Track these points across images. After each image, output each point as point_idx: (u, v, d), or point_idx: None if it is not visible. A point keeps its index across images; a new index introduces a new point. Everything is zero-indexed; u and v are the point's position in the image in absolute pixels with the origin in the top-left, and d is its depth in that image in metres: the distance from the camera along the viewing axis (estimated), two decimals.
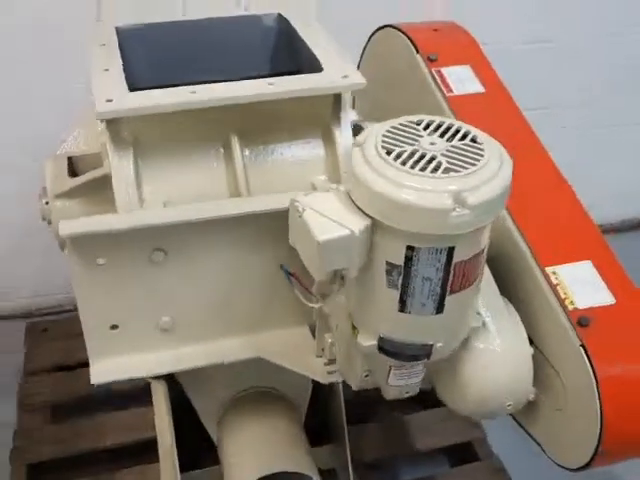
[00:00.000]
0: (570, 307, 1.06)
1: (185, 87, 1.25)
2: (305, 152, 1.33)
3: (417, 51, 1.42)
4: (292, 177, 1.31)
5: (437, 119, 0.97)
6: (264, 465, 1.44)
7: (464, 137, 0.94)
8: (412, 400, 1.21)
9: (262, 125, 1.32)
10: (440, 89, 1.36)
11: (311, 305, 1.08)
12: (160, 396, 1.55)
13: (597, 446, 1.02)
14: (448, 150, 0.92)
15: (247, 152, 1.32)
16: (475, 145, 0.93)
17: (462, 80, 1.38)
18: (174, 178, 1.30)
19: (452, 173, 0.88)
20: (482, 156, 0.91)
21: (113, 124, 1.25)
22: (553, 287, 1.08)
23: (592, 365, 1.01)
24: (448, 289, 0.95)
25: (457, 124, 0.96)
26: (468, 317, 1.04)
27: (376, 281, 0.96)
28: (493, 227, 1.21)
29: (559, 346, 1.07)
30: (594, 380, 1.01)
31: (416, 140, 0.93)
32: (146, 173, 1.27)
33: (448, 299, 0.96)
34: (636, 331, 1.06)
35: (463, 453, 1.85)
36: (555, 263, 1.11)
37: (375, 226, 0.92)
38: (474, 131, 0.95)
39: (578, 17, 2.41)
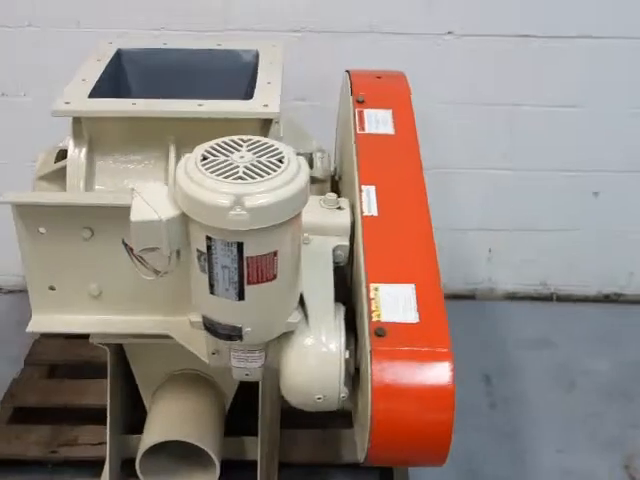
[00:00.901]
0: (375, 318, 1.21)
1: (130, 99, 1.52)
2: None
3: (352, 93, 1.62)
4: None
5: (262, 140, 1.16)
6: (168, 433, 1.65)
7: (273, 156, 1.13)
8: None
9: (197, 139, 1.55)
10: (355, 126, 1.54)
11: (145, 277, 1.28)
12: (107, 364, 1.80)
13: (368, 446, 1.16)
14: (252, 164, 1.11)
15: None
16: (276, 163, 1.11)
17: (378, 122, 1.55)
18: (121, 177, 1.56)
19: (241, 181, 1.07)
20: (275, 171, 1.09)
21: (76, 123, 1.54)
22: (369, 300, 1.23)
23: (372, 372, 1.15)
24: (245, 280, 1.13)
25: (276, 145, 1.15)
26: (278, 310, 1.21)
27: (193, 265, 1.17)
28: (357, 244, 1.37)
29: (363, 351, 1.22)
30: (370, 385, 1.15)
31: (232, 153, 1.13)
32: (98, 170, 1.54)
33: (248, 289, 1.14)
34: (423, 349, 1.18)
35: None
36: (380, 281, 1.26)
37: (186, 217, 1.12)
38: (286, 153, 1.14)
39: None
